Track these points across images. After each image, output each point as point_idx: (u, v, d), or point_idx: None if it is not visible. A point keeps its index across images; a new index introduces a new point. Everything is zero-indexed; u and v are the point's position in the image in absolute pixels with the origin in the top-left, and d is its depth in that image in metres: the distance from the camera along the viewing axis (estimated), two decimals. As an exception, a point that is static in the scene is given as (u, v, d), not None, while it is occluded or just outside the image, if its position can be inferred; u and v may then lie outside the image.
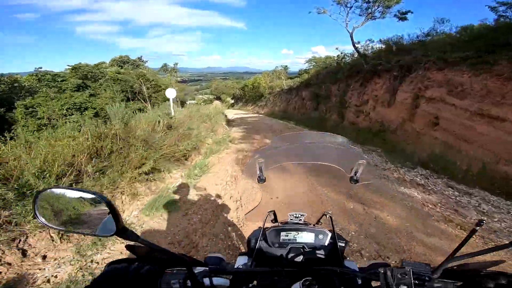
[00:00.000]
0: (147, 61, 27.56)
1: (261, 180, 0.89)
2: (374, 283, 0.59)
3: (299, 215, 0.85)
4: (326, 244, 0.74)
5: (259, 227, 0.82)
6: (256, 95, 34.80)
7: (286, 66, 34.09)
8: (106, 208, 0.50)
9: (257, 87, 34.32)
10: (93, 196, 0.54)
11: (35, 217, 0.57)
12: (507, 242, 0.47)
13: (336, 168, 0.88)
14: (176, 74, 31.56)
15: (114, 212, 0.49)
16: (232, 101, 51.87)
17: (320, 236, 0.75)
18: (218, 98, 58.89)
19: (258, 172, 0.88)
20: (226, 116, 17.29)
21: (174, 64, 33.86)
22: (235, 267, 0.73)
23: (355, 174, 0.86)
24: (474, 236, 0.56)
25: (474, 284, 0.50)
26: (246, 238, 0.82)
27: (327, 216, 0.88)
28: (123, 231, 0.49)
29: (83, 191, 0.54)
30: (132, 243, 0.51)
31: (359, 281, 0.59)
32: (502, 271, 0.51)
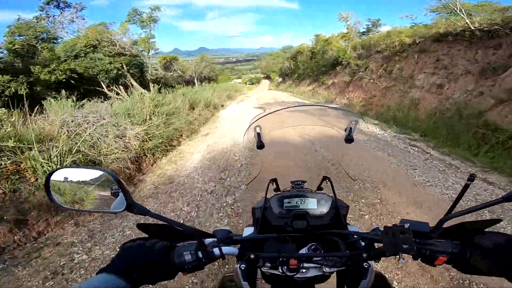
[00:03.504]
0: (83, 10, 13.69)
1: (260, 146, 0.87)
2: (376, 245, 0.60)
3: (301, 182, 0.87)
4: (328, 209, 0.74)
5: (263, 197, 0.80)
6: (320, 64, 17.54)
7: None
8: (116, 185, 0.52)
9: (323, 52, 16.98)
10: (102, 173, 0.54)
11: (49, 199, 0.56)
12: (500, 197, 0.46)
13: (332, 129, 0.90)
14: (152, 26, 15.30)
15: (123, 188, 0.52)
16: (280, 79, 36.89)
17: (322, 201, 0.75)
18: (268, 77, 55.02)
19: (256, 139, 0.87)
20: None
21: (151, 9, 16.08)
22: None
23: (350, 134, 0.82)
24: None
25: (473, 243, 0.50)
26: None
27: (327, 181, 0.86)
28: (132, 206, 0.52)
29: (94, 169, 0.56)
30: (142, 217, 0.62)
31: (362, 244, 0.61)
32: (500, 232, 0.50)
